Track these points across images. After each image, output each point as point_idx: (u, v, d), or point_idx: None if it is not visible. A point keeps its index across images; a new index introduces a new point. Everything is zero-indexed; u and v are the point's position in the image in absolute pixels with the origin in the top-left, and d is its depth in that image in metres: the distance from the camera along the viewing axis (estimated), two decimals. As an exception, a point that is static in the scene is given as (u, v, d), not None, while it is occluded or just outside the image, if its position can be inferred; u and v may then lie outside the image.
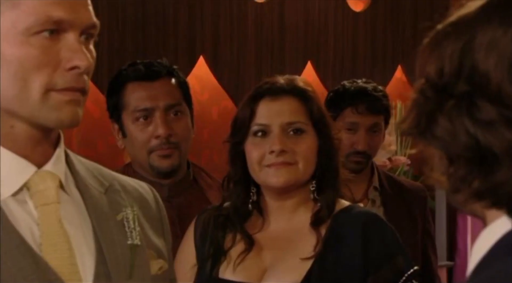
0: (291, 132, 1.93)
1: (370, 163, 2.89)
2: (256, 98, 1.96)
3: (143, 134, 2.29)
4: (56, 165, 1.28)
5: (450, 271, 5.12)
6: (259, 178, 1.94)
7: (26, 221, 1.23)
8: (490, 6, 0.92)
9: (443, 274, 4.86)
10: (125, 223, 1.35)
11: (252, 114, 1.95)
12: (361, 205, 2.80)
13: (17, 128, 1.23)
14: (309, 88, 1.97)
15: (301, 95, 1.95)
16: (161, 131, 2.26)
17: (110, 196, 1.36)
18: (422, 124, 0.93)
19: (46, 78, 1.20)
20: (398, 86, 5.02)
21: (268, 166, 1.91)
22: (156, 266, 1.39)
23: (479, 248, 0.91)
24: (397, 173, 4.35)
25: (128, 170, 2.39)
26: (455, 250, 5.13)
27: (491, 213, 0.92)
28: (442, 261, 4.92)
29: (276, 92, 1.95)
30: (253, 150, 1.93)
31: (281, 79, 1.98)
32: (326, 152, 1.95)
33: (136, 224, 1.36)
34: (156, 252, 1.40)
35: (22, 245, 1.21)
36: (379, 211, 2.79)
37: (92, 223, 1.30)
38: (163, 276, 1.41)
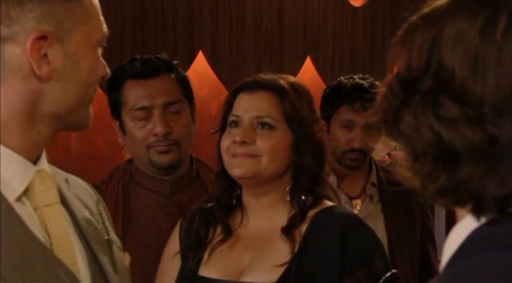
0: (259, 127, 1.94)
1: (368, 159, 2.88)
2: (236, 91, 2.01)
3: (141, 132, 2.28)
4: (44, 164, 1.28)
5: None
6: (226, 167, 1.97)
7: (31, 223, 1.21)
8: None
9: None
10: (99, 219, 1.37)
11: (230, 106, 1.99)
12: (359, 201, 2.79)
13: (42, 133, 1.24)
14: (287, 86, 1.96)
15: (277, 91, 1.96)
16: (159, 129, 2.26)
17: (74, 192, 1.36)
18: (389, 119, 0.92)
19: (97, 86, 1.30)
20: (398, 81, 5.02)
21: (233, 155, 1.93)
22: (126, 259, 1.41)
23: (450, 243, 0.91)
24: (396, 167, 4.35)
25: (130, 166, 2.38)
26: (455, 245, 5.12)
27: (459, 209, 0.92)
28: (441, 256, 4.92)
29: (253, 86, 1.98)
30: (224, 139, 1.98)
31: (267, 75, 2.02)
32: (299, 151, 1.95)
33: (106, 219, 1.39)
34: (120, 246, 1.42)
35: (44, 248, 1.20)
36: (377, 207, 2.78)
37: (72, 221, 1.31)
38: (129, 268, 1.44)
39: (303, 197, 1.94)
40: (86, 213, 1.34)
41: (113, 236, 1.38)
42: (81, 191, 1.39)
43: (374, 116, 0.95)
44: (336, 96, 2.80)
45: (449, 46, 0.88)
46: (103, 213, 1.40)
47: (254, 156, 1.92)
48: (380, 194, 2.83)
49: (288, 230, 1.92)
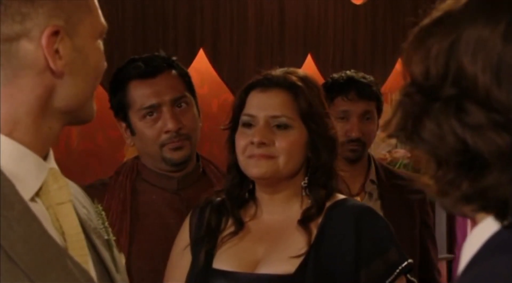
0: (275, 126, 1.93)
1: (367, 154, 2.89)
2: (248, 89, 1.99)
3: (152, 131, 2.29)
4: (53, 162, 1.28)
5: (450, 264, 5.13)
6: (242, 168, 1.96)
7: (45, 222, 1.20)
8: (475, 2, 0.90)
9: (443, 267, 4.87)
10: (100, 219, 1.37)
11: (242, 104, 1.97)
12: (358, 198, 2.79)
13: (53, 129, 1.24)
14: (300, 83, 1.95)
15: (291, 88, 1.94)
16: (170, 126, 2.27)
17: (72, 191, 1.34)
18: (408, 127, 0.91)
19: (100, 78, 1.30)
20: (399, 78, 5.02)
21: (250, 156, 1.93)
22: (122, 259, 1.41)
23: (469, 246, 0.91)
24: (397, 166, 4.36)
25: (137, 163, 2.39)
26: (455, 242, 5.14)
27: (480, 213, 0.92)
28: (442, 253, 4.93)
29: (266, 84, 1.96)
30: (239, 139, 1.96)
31: (277, 72, 1.99)
32: (314, 147, 1.95)
33: (105, 219, 1.38)
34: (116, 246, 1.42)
35: (60, 248, 1.19)
36: (376, 204, 2.78)
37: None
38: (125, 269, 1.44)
39: (317, 194, 1.95)
40: (85, 211, 1.34)
41: (112, 236, 1.38)
42: (76, 191, 1.38)
43: (389, 125, 0.95)
44: (330, 89, 2.84)
45: (469, 53, 0.87)
46: (103, 213, 1.39)
47: (271, 157, 1.92)
48: (379, 191, 2.84)
49: (304, 223, 1.92)
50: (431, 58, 0.90)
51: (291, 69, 2.02)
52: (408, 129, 0.92)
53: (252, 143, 1.92)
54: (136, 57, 2.38)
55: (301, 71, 2.04)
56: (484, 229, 0.90)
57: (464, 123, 0.87)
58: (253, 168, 1.92)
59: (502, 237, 0.88)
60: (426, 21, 0.94)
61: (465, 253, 0.91)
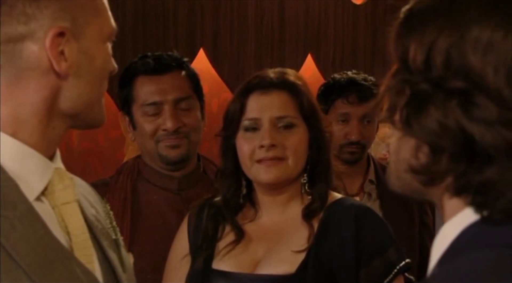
0: (281, 127, 1.93)
1: (366, 154, 2.89)
2: (246, 92, 1.96)
3: (150, 126, 2.30)
4: (60, 162, 1.28)
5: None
6: (251, 174, 1.94)
7: (50, 222, 1.20)
8: (484, 0, 0.89)
9: (442, 266, 4.88)
10: (107, 218, 1.36)
11: (242, 108, 1.95)
12: (357, 198, 2.80)
13: (57, 129, 1.24)
14: (299, 82, 1.96)
15: (291, 89, 1.94)
16: (169, 125, 2.27)
17: (80, 190, 1.34)
18: (406, 113, 0.91)
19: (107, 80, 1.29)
20: (398, 78, 5.02)
21: (259, 161, 1.91)
22: (130, 259, 1.41)
23: (441, 242, 0.91)
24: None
25: (139, 162, 2.40)
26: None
27: (450, 204, 0.92)
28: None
29: (265, 86, 1.94)
30: (244, 145, 1.93)
31: (272, 73, 1.97)
32: (317, 145, 1.95)
33: (113, 219, 1.38)
34: (124, 245, 1.42)
35: (64, 249, 1.19)
36: (375, 204, 2.78)
37: (84, 219, 1.30)
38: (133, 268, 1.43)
39: (321, 189, 1.95)
40: (93, 212, 1.33)
41: (119, 236, 1.37)
42: (86, 191, 1.38)
43: (375, 108, 0.95)
44: (331, 91, 2.84)
45: (479, 52, 0.88)
46: (111, 213, 1.39)
47: (281, 159, 1.90)
48: (378, 191, 2.84)
49: (309, 217, 1.92)
50: (434, 49, 0.90)
51: (279, 69, 2.01)
52: (405, 115, 0.91)
53: (261, 147, 1.90)
54: (149, 53, 2.40)
55: (293, 71, 2.04)
56: (456, 223, 0.90)
57: (472, 116, 0.87)
58: (264, 174, 1.91)
59: (473, 231, 0.88)
60: (419, 5, 0.94)
61: (436, 248, 0.92)
